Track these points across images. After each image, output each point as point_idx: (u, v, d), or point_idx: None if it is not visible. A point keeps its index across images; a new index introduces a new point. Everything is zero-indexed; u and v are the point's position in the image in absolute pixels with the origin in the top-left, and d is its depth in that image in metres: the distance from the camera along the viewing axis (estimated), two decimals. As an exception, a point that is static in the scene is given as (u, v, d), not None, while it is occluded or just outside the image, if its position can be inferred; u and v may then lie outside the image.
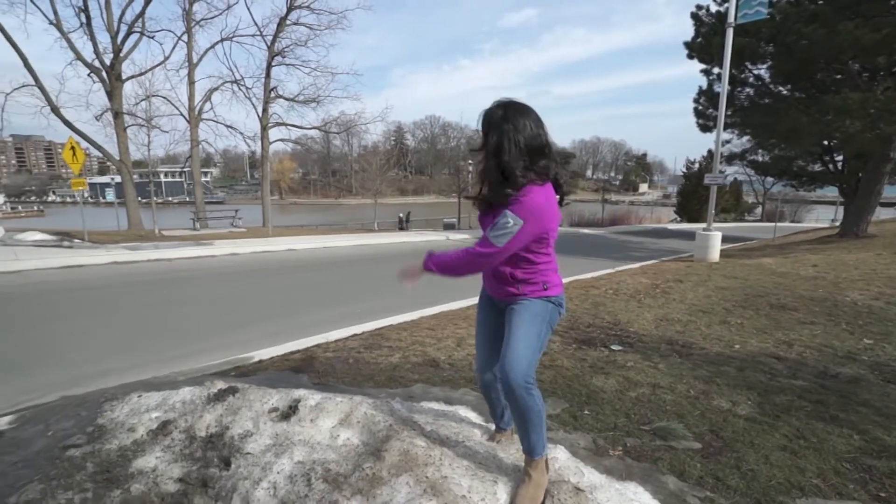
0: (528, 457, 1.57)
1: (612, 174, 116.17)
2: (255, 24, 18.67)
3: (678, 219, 32.58)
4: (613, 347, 3.68)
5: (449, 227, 23.19)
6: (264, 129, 18.70)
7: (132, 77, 15.85)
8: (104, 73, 14.84)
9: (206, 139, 18.81)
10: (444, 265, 1.56)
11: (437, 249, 1.68)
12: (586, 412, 2.51)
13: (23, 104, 15.31)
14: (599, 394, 2.75)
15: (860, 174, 13.26)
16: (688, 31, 13.56)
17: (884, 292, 5.67)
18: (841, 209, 18.27)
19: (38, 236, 9.94)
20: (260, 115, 18.67)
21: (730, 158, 16.44)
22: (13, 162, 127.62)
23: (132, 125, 15.76)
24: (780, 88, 12.98)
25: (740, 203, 37.36)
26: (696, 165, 31.83)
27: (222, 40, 17.87)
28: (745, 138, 15.36)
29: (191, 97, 17.61)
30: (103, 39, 15.00)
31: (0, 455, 2.05)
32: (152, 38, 16.01)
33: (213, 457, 1.73)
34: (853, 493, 1.82)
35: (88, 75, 14.98)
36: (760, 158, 17.23)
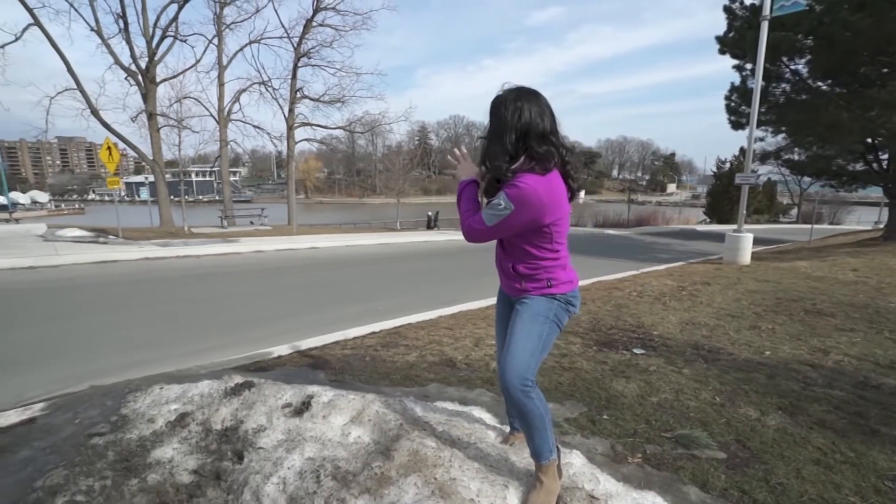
0: (536, 461, 1.52)
1: (639, 174, 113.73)
2: (283, 26, 19.08)
3: (707, 220, 31.57)
4: (636, 351, 3.57)
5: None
6: (290, 129, 19.06)
7: (166, 80, 16.43)
8: (140, 77, 15.42)
9: (235, 139, 19.35)
10: (459, 200, 1.59)
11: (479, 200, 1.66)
12: (605, 417, 2.43)
13: (66, 107, 16.11)
14: (620, 398, 2.67)
15: (907, 173, 12.56)
16: (720, 25, 13.09)
17: (931, 299, 5.34)
18: (885, 210, 17.30)
19: (77, 233, 10.40)
20: (286, 115, 19.04)
21: (763, 157, 15.80)
22: (58, 162, 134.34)
23: (164, 126, 16.32)
24: (820, 84, 12.39)
25: (774, 204, 35.93)
26: (728, 165, 30.77)
27: (251, 42, 18.32)
28: (780, 136, 14.74)
29: (220, 98, 18.11)
30: (139, 44, 15.62)
31: (31, 441, 2.13)
32: (185, 41, 16.55)
33: (227, 450, 1.75)
34: (894, 513, 1.70)
35: (125, 79, 15.60)
36: (796, 157, 16.50)
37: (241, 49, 18.54)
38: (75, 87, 14.52)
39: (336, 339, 3.83)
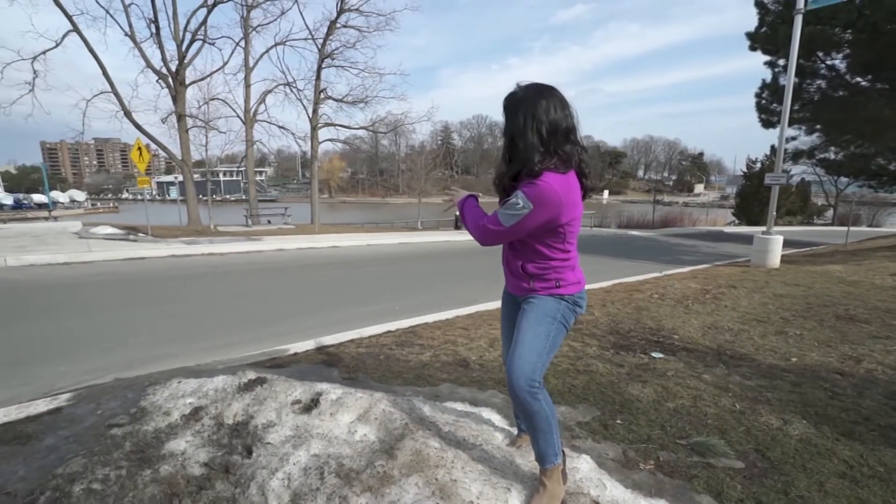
0: (541, 465, 1.50)
1: (666, 174, 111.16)
2: (307, 27, 19.42)
3: (736, 221, 30.56)
4: (654, 355, 3.48)
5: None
6: (314, 129, 19.37)
7: (195, 82, 16.93)
8: (170, 79, 15.93)
9: (260, 140, 19.81)
10: (464, 213, 1.58)
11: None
12: (618, 421, 2.38)
13: (101, 109, 16.77)
14: (634, 403, 2.61)
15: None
16: (751, 20, 12.64)
17: (977, 306, 5.04)
18: (929, 213, 16.43)
19: (109, 230, 10.83)
20: (310, 115, 19.35)
21: (796, 156, 15.20)
22: (94, 163, 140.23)
23: (193, 127, 16.82)
24: (859, 79, 11.83)
25: (808, 205, 34.49)
26: (758, 165, 29.68)
27: (276, 45, 18.68)
28: (815, 135, 14.14)
29: (247, 99, 18.56)
30: (170, 48, 16.15)
31: (56, 429, 2.23)
32: (213, 44, 17.00)
33: (237, 444, 1.79)
34: (924, 532, 1.61)
35: (157, 81, 16.14)
36: (832, 156, 15.82)
37: (267, 51, 18.96)
38: (110, 90, 15.10)
39: (351, 337, 3.87)
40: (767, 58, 12.60)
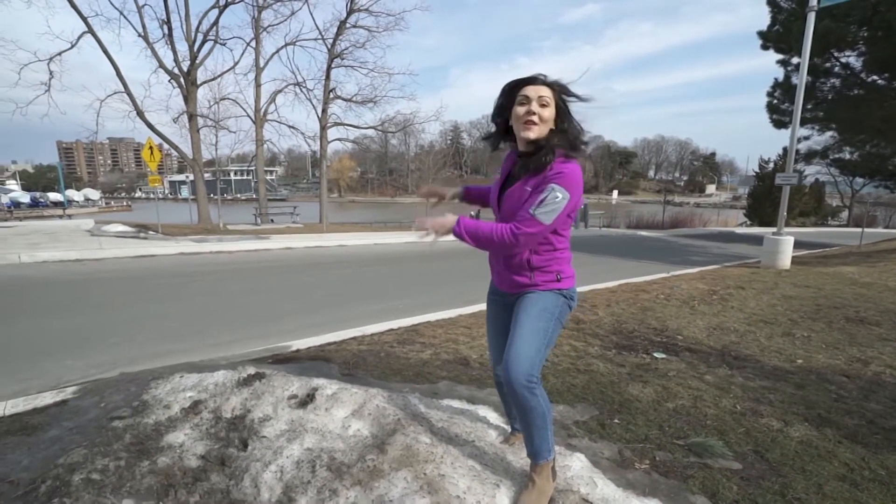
0: (532, 461, 1.49)
1: (677, 174, 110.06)
2: (317, 28, 19.51)
3: (748, 222, 30.15)
4: (656, 355, 3.46)
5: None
6: (323, 128, 19.47)
7: (206, 82, 17.12)
8: (182, 80, 16.12)
9: (270, 139, 19.95)
10: (477, 236, 1.42)
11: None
12: (616, 421, 2.37)
13: (114, 109, 17.03)
14: (634, 402, 2.59)
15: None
16: (764, 18, 12.46)
17: None
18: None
19: (120, 228, 11.01)
20: (319, 115, 19.47)
21: (808, 157, 14.97)
22: (109, 162, 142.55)
23: (204, 127, 17.02)
24: (875, 77, 11.59)
25: (822, 206, 33.92)
26: (771, 165, 29.27)
27: (286, 45, 18.80)
28: (828, 135, 13.91)
29: (257, 99, 18.70)
30: (182, 48, 16.34)
31: (61, 421, 2.28)
32: (224, 45, 17.16)
33: (234, 437, 1.81)
34: (923, 536, 1.58)
35: (169, 81, 16.35)
36: (847, 156, 15.55)
37: (277, 51, 19.08)
38: (123, 90, 15.33)
39: (354, 334, 3.89)
40: (780, 56, 12.44)
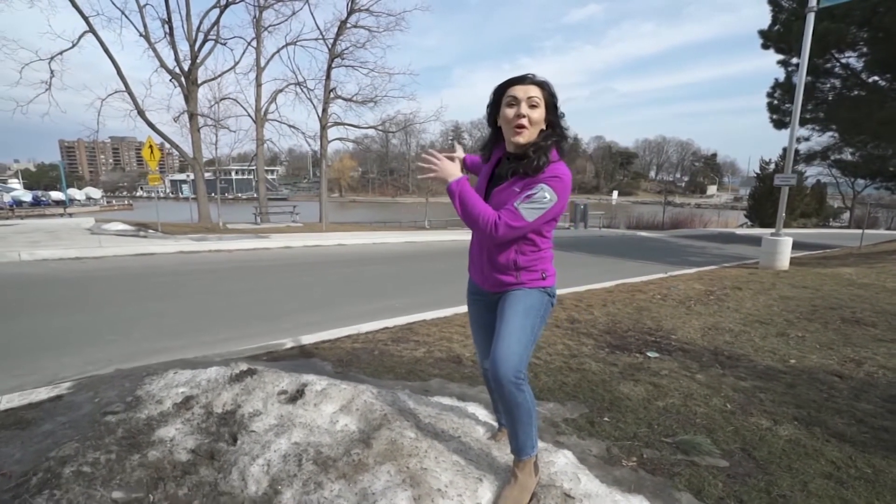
0: (516, 457, 1.51)
1: (678, 175, 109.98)
2: (318, 27, 19.58)
3: (748, 223, 30.13)
4: (649, 354, 3.47)
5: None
6: (323, 128, 19.52)
7: (207, 81, 17.18)
8: (183, 79, 16.17)
9: (271, 138, 20.03)
10: (465, 204, 1.39)
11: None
12: (606, 419, 2.38)
13: (115, 108, 17.06)
14: (624, 401, 2.60)
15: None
16: (767, 18, 12.44)
17: None
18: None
19: (120, 227, 11.05)
20: (319, 115, 19.51)
21: (809, 157, 14.96)
22: (110, 161, 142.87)
23: (204, 126, 17.06)
24: (876, 78, 11.58)
25: (824, 207, 33.88)
26: (772, 166, 29.24)
27: (287, 45, 18.87)
28: (828, 135, 13.90)
29: (258, 99, 18.77)
30: (183, 48, 16.39)
31: (55, 415, 2.30)
32: (225, 44, 17.22)
33: (224, 432, 1.83)
34: (905, 533, 1.59)
35: (170, 81, 16.40)
36: (848, 158, 15.52)
37: (278, 51, 19.15)
38: (124, 89, 15.38)
39: (349, 332, 3.91)
40: (780, 56, 12.44)
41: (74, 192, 57.88)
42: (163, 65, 16.02)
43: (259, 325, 4.44)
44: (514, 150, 1.48)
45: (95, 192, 65.47)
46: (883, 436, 2.28)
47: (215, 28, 16.62)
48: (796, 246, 9.17)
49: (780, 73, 12.74)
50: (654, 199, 72.10)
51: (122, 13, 15.09)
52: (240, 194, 72.88)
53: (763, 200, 28.40)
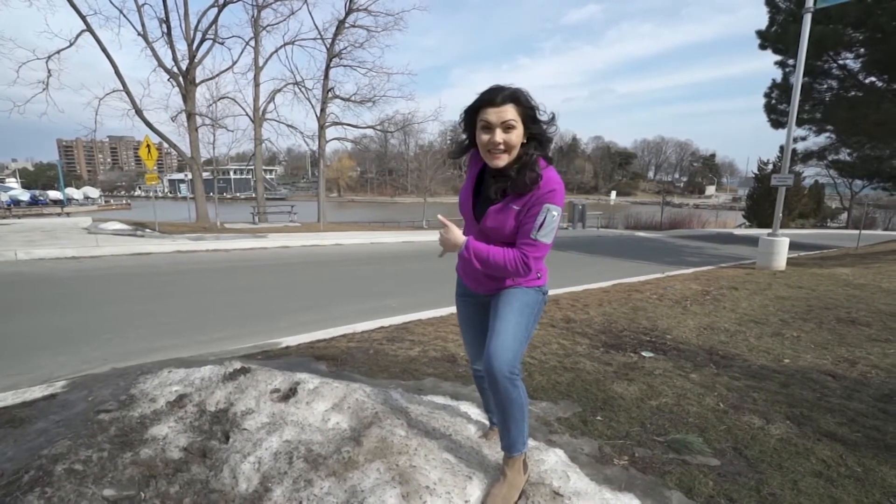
0: (507, 454, 1.52)
1: (676, 176, 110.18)
2: (316, 27, 19.59)
3: (747, 224, 30.19)
4: (644, 354, 3.48)
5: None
6: (322, 128, 19.51)
7: (205, 81, 17.14)
8: (181, 78, 16.14)
9: (269, 138, 19.97)
10: (487, 262, 1.42)
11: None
12: (598, 418, 2.39)
13: (113, 108, 17.08)
14: (617, 400, 2.61)
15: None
16: (765, 19, 12.46)
17: (982, 310, 4.94)
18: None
19: (117, 226, 11.03)
20: (318, 114, 19.50)
21: (805, 158, 15.00)
22: (108, 160, 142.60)
23: (202, 125, 17.04)
24: (874, 79, 11.62)
25: (822, 208, 33.97)
26: (770, 166, 29.31)
27: (285, 44, 18.85)
28: (824, 135, 13.94)
29: (256, 98, 18.74)
30: (181, 47, 16.36)
31: (48, 414, 2.30)
32: (223, 44, 17.18)
33: (216, 430, 1.83)
34: (893, 531, 1.60)
35: (168, 80, 16.36)
36: (846, 158, 15.57)
37: (276, 50, 19.13)
38: (122, 88, 15.34)
39: (344, 332, 3.92)
40: (778, 57, 12.47)
41: (72, 192, 57.73)
42: (161, 64, 15.98)
43: (255, 324, 4.44)
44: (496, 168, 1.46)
45: (93, 192, 65.30)
46: (874, 435, 2.29)
47: (213, 27, 16.60)
48: (794, 246, 9.20)
49: (778, 74, 12.79)
50: (653, 199, 72.21)
51: (120, 12, 15.06)
52: (238, 194, 72.76)
53: (761, 201, 28.47)
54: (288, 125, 19.58)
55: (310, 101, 19.50)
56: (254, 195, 22.65)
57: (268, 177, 76.60)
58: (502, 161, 1.38)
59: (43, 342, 3.78)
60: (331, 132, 20.23)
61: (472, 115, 1.41)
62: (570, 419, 2.37)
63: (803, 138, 14.10)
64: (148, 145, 10.46)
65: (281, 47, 18.96)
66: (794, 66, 8.70)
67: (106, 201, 62.43)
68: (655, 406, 2.56)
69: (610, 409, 2.51)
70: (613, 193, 64.17)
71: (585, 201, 28.33)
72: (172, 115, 16.73)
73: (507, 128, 1.34)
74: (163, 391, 2.19)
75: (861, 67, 11.46)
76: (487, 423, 2.03)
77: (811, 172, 26.15)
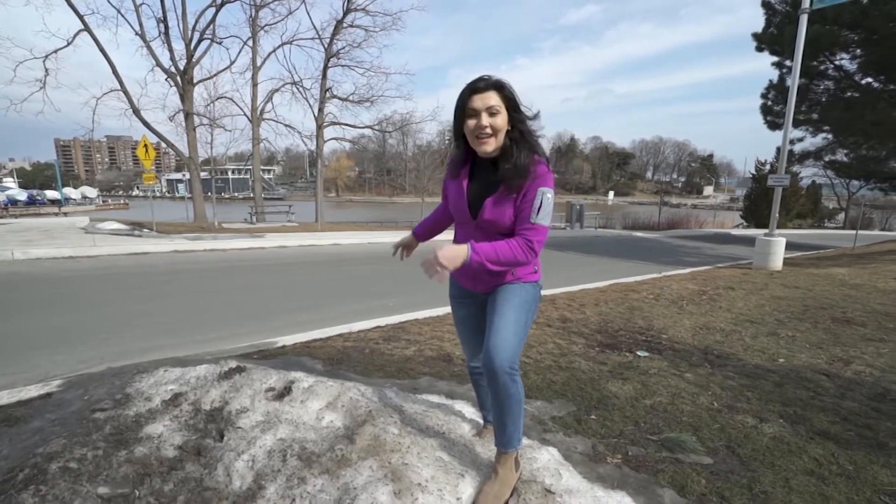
0: (502, 450, 1.53)
1: (675, 176, 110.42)
2: (314, 27, 19.63)
3: (744, 224, 30.28)
4: (639, 353, 3.49)
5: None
6: (319, 127, 19.51)
7: (203, 80, 17.12)
8: (178, 78, 16.12)
9: (267, 138, 19.96)
10: (499, 260, 1.40)
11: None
12: (593, 417, 2.40)
13: (111, 107, 17.05)
14: (612, 399, 2.62)
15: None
16: (762, 20, 12.50)
17: (976, 310, 4.97)
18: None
19: (115, 226, 11.01)
20: (315, 114, 19.50)
21: (802, 158, 15.04)
22: (106, 160, 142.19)
23: (200, 125, 17.02)
24: (870, 80, 11.66)
25: (819, 208, 34.11)
26: (768, 166, 29.41)
27: (283, 44, 18.87)
28: (822, 136, 13.99)
29: (254, 98, 18.74)
30: (178, 47, 16.35)
31: (44, 413, 2.30)
32: (220, 43, 17.19)
33: (211, 428, 1.84)
34: (882, 528, 1.62)
35: (166, 80, 16.34)
36: (842, 159, 15.62)
37: (274, 50, 19.14)
38: (119, 88, 15.32)
39: (340, 331, 3.92)
40: (774, 59, 12.51)
41: (70, 192, 57.51)
42: (158, 64, 15.97)
43: (252, 323, 4.44)
44: (485, 157, 1.49)
45: (91, 192, 65.05)
46: (866, 433, 2.30)
47: (211, 27, 16.60)
48: (791, 247, 9.23)
49: (775, 75, 12.84)
50: (651, 199, 72.34)
51: (118, 12, 15.06)
52: (236, 194, 72.61)
53: (759, 201, 28.56)
54: (286, 125, 19.60)
55: (308, 101, 19.51)
56: (252, 195, 22.62)
57: (266, 177, 76.51)
58: (490, 146, 1.42)
59: (39, 341, 3.77)
60: (329, 132, 20.25)
61: (461, 108, 1.44)
62: (565, 418, 2.38)
63: (800, 139, 14.16)
64: (145, 145, 10.45)
65: (279, 47, 18.99)
66: (791, 68, 8.75)
67: (104, 201, 62.22)
68: (650, 405, 2.57)
69: (604, 407, 2.52)
70: (611, 193, 64.31)
71: (583, 201, 28.37)
72: (170, 114, 16.73)
73: (492, 113, 1.39)
74: (158, 390, 2.19)
75: (857, 68, 11.51)
76: (482, 421, 2.04)
77: (808, 173, 26.25)
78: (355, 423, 1.72)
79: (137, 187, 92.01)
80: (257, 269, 7.77)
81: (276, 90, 19.19)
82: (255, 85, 18.68)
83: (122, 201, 64.50)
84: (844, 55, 11.28)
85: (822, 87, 12.24)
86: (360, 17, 18.78)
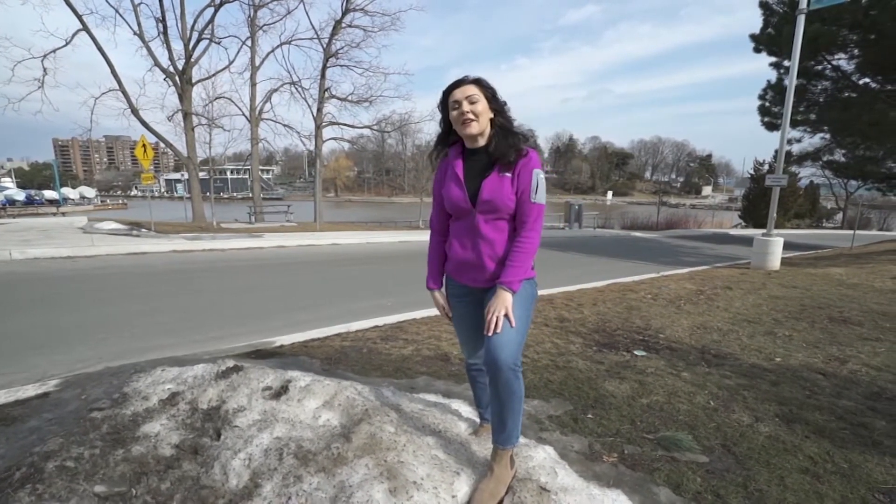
0: (499, 447, 1.54)
1: (673, 176, 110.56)
2: (313, 27, 19.55)
3: (743, 224, 30.33)
4: (637, 353, 3.50)
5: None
6: (318, 128, 19.51)
7: (201, 80, 17.10)
8: (177, 78, 16.10)
9: (266, 138, 19.94)
10: (527, 263, 1.55)
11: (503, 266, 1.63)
12: (589, 416, 2.41)
13: (109, 107, 17.00)
14: (608, 398, 2.63)
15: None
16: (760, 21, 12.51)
17: (972, 310, 4.99)
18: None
19: (113, 225, 11.00)
20: (314, 114, 19.49)
21: (800, 159, 15.07)
22: (105, 160, 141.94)
23: (198, 125, 17.00)
24: (868, 80, 11.67)
25: (817, 208, 34.18)
26: (766, 167, 29.46)
27: (282, 44, 18.84)
28: (820, 136, 14.02)
29: (252, 98, 18.72)
30: (177, 47, 16.32)
31: (41, 412, 2.30)
32: (219, 43, 17.16)
33: (208, 427, 1.84)
34: (876, 526, 1.63)
35: (164, 80, 16.32)
36: (841, 159, 15.65)
37: (272, 50, 19.12)
38: (118, 88, 15.30)
39: (338, 331, 3.92)
40: (772, 59, 12.53)
41: (68, 191, 57.34)
42: (157, 63, 15.95)
43: (250, 323, 4.44)
44: (473, 145, 1.61)
45: (89, 191, 64.86)
46: (861, 432, 2.31)
47: (210, 27, 16.58)
48: (789, 246, 9.25)
49: (774, 76, 12.85)
50: (650, 199, 72.43)
51: (116, 11, 15.03)
52: (235, 194, 72.53)
53: (757, 201, 28.60)
54: (284, 125, 19.58)
55: (306, 101, 19.51)
56: (250, 195, 22.60)
57: (265, 176, 76.45)
58: (474, 128, 1.54)
59: (38, 341, 3.77)
60: (327, 132, 20.26)
61: (446, 102, 1.59)
62: (561, 417, 2.38)
63: (798, 140, 14.18)
64: (144, 145, 10.44)
65: (277, 47, 18.97)
66: (788, 69, 8.77)
67: (102, 201, 62.09)
68: (646, 404, 2.58)
69: (601, 407, 2.53)
70: (610, 193, 64.38)
71: (582, 201, 28.38)
72: (169, 114, 16.71)
73: (472, 101, 1.53)
74: (156, 389, 2.20)
75: (855, 68, 11.53)
76: (478, 420, 2.05)
77: (806, 173, 26.28)
78: (352, 421, 1.72)
79: (136, 187, 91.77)
80: (256, 269, 7.77)
81: (275, 90, 19.19)
82: (253, 85, 18.67)
83: (120, 201, 64.36)
84: (842, 55, 11.31)
85: (819, 88, 12.26)
86: (358, 18, 18.80)
